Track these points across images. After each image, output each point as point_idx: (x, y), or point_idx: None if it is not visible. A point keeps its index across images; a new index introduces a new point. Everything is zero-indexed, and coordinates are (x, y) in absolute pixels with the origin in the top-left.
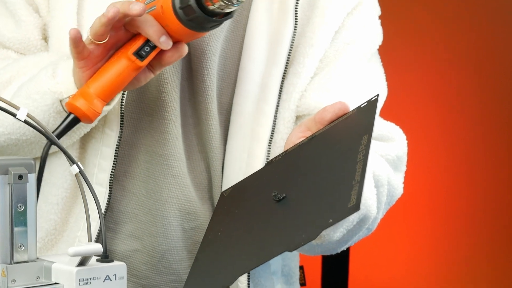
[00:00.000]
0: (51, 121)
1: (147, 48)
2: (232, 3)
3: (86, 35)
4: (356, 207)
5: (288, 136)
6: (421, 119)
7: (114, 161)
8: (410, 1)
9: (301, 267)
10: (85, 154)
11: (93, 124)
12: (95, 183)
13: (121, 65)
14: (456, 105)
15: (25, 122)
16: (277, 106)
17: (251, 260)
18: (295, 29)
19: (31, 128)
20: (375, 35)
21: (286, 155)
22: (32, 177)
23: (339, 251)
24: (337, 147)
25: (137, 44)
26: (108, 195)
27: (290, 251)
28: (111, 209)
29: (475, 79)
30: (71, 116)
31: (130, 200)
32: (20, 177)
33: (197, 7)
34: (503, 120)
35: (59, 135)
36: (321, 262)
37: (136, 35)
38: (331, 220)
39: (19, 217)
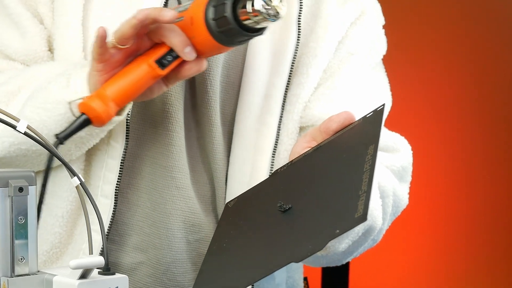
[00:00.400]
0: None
1: (169, 58)
2: (271, 17)
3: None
4: (363, 217)
5: (293, 146)
6: (420, 128)
7: (119, 173)
8: (410, 11)
9: (305, 279)
10: (90, 167)
11: (102, 135)
12: (100, 196)
13: (141, 71)
14: (456, 113)
15: (25, 134)
16: (281, 117)
17: (256, 272)
18: (298, 40)
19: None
20: (379, 44)
21: (291, 165)
22: (32, 190)
23: (344, 262)
24: (343, 157)
25: (160, 52)
26: (113, 208)
27: (296, 262)
28: (115, 222)
29: (475, 88)
30: (83, 117)
31: (135, 213)
32: (21, 189)
33: (233, 19)
34: (502, 126)
35: (67, 136)
36: (321, 272)
37: (158, 44)
38: (337, 231)
39: (20, 230)
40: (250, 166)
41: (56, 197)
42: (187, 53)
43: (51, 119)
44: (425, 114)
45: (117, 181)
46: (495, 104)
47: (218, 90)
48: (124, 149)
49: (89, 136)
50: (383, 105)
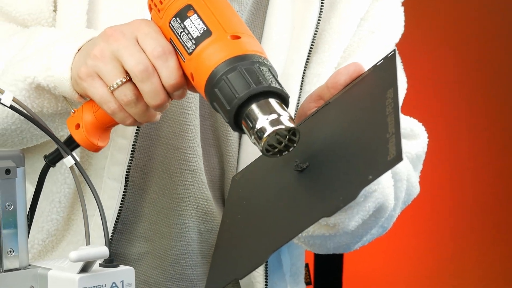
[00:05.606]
0: (46, 104)
1: None
2: (263, 152)
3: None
4: (398, 158)
5: (298, 109)
6: (424, 118)
7: (131, 154)
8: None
9: (306, 265)
10: None
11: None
12: (106, 178)
13: None
14: (462, 104)
15: (11, 107)
16: (299, 97)
17: (283, 234)
18: (320, 14)
19: (22, 117)
20: (399, 23)
21: (300, 126)
22: (21, 172)
23: (352, 249)
24: (359, 107)
25: None
26: (124, 191)
27: (328, 216)
28: (123, 208)
29: (482, 78)
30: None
31: (140, 198)
32: (8, 171)
33: (233, 117)
34: (508, 120)
35: (57, 158)
36: (314, 259)
37: None
38: (370, 177)
39: (8, 218)
40: None
41: (51, 181)
42: (177, 96)
43: (30, 99)
44: (429, 103)
45: (129, 163)
46: (503, 96)
47: None
48: (137, 127)
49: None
50: (394, 50)
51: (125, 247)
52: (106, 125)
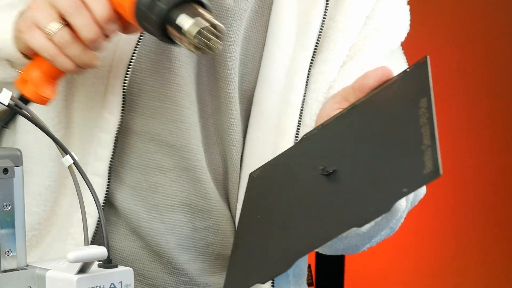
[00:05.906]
0: None
1: None
2: (195, 50)
3: None
4: (436, 173)
5: (320, 109)
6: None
7: (113, 149)
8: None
9: (308, 266)
10: (73, 140)
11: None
12: (90, 173)
13: None
14: (466, 102)
15: (8, 106)
16: (304, 95)
17: (310, 240)
18: (325, 11)
19: None
20: (404, 22)
21: (323, 127)
22: (19, 171)
23: (360, 250)
24: (388, 114)
25: None
26: (107, 187)
27: (359, 226)
28: (107, 204)
29: (487, 76)
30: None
31: (128, 194)
32: (5, 171)
33: (159, 25)
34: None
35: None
36: (315, 260)
37: None
38: (405, 190)
39: (6, 218)
40: (271, 149)
41: (29, 172)
42: (111, 31)
43: None
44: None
45: (111, 158)
46: (506, 101)
47: (238, 63)
48: (120, 122)
49: None
50: (427, 57)
51: (117, 243)
52: (51, 77)
